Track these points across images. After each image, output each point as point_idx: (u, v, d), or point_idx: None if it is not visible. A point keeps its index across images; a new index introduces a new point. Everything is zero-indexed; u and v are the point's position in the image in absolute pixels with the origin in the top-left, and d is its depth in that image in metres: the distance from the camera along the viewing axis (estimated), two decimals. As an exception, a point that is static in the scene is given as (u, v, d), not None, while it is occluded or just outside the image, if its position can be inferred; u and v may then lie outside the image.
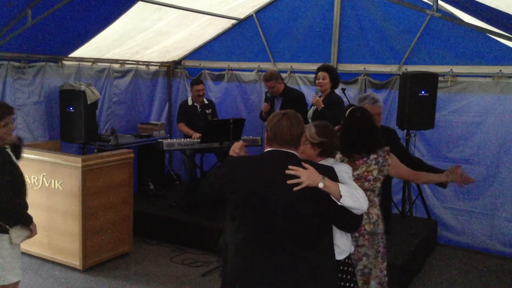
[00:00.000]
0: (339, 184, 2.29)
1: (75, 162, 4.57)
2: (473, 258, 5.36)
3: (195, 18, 6.12)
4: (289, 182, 2.23)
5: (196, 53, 7.39)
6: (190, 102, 6.28)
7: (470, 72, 5.46)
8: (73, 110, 5.59)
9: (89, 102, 5.59)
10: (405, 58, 5.79)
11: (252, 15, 6.71)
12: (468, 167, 5.51)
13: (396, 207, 5.63)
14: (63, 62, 5.96)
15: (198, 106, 6.22)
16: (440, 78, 5.38)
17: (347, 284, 2.80)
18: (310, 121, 5.06)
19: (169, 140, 5.92)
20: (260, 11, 6.67)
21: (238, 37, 6.94)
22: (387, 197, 3.95)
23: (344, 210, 2.30)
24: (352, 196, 2.29)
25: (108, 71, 6.58)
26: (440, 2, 4.45)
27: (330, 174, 2.35)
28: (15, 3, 4.41)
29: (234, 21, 6.83)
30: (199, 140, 5.67)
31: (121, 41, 6.11)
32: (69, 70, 6.04)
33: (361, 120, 3.25)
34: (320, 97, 5.00)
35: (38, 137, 5.67)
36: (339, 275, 2.74)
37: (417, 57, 5.73)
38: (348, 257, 2.82)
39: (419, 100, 5.17)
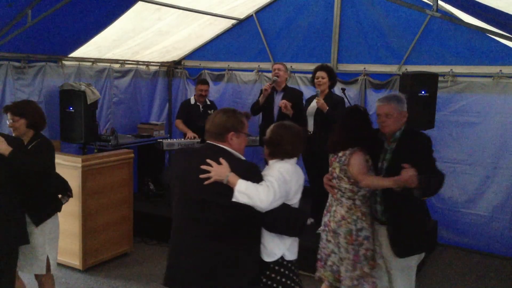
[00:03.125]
0: (239, 181, 2.33)
1: (75, 162, 4.57)
2: (473, 258, 5.37)
3: (195, 18, 6.12)
4: (200, 176, 2.38)
5: (196, 53, 7.39)
6: (192, 101, 6.28)
7: (470, 72, 5.46)
8: (73, 110, 5.59)
9: (89, 102, 5.59)
10: (405, 58, 5.79)
11: (252, 15, 6.71)
12: (468, 167, 5.53)
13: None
14: (63, 62, 5.96)
15: (201, 106, 6.22)
16: (440, 78, 5.38)
17: None
18: (311, 119, 5.05)
19: (169, 140, 5.92)
20: (260, 11, 6.67)
21: (238, 37, 6.94)
22: (413, 210, 3.30)
23: (244, 205, 2.33)
24: (248, 192, 2.31)
25: (108, 71, 6.58)
26: (440, 2, 4.45)
27: (247, 170, 2.41)
28: (15, 3, 4.40)
29: (234, 21, 6.83)
30: (199, 140, 5.67)
31: (121, 41, 6.11)
32: (69, 70, 6.04)
33: (343, 117, 3.43)
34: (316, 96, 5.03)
35: (38, 137, 5.67)
36: (263, 278, 2.56)
37: (417, 57, 5.73)
38: (280, 263, 2.58)
39: (419, 100, 5.16)
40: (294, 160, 2.66)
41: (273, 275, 2.57)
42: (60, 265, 4.79)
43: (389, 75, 5.92)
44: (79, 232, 4.62)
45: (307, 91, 6.11)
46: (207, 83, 6.36)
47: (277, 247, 2.56)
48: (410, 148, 3.19)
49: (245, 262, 2.47)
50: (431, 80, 5.24)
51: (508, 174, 5.30)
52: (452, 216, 5.67)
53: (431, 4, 3.61)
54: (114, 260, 4.99)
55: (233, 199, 2.32)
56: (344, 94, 5.31)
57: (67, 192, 3.66)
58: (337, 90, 5.97)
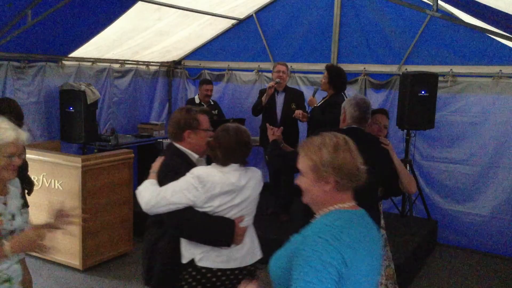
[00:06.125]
0: (146, 180, 2.49)
1: (75, 162, 4.57)
2: (473, 258, 5.36)
3: (195, 18, 6.12)
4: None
5: (196, 53, 7.39)
6: (197, 101, 6.27)
7: (470, 72, 5.46)
8: (73, 110, 5.59)
9: (89, 102, 5.60)
10: (405, 58, 5.79)
11: (252, 15, 6.71)
12: (468, 167, 5.53)
13: (396, 207, 5.64)
14: (63, 62, 5.96)
15: (205, 106, 6.23)
16: (440, 78, 5.38)
17: None
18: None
19: (169, 140, 5.92)
20: (260, 11, 6.67)
21: (238, 37, 6.94)
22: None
23: None
24: (141, 192, 2.48)
25: (108, 71, 6.58)
26: (440, 2, 4.45)
27: (161, 170, 2.52)
28: (15, 3, 4.40)
29: (234, 21, 6.83)
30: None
31: (121, 41, 6.10)
32: (69, 70, 6.04)
33: None
34: (324, 97, 5.03)
35: (38, 137, 5.67)
36: (180, 276, 2.50)
37: (417, 57, 5.73)
38: (194, 267, 2.43)
39: (419, 100, 5.17)
40: (227, 168, 2.42)
41: (187, 277, 2.46)
42: (60, 265, 4.80)
43: (389, 75, 5.92)
44: (79, 232, 4.61)
45: (307, 91, 6.11)
46: (211, 82, 6.39)
47: (185, 248, 2.46)
48: None
49: (163, 250, 2.57)
50: (431, 80, 5.24)
51: (508, 174, 5.30)
52: (452, 216, 5.66)
53: (431, 4, 3.62)
54: (114, 260, 4.99)
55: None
56: (344, 94, 5.31)
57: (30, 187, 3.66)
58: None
